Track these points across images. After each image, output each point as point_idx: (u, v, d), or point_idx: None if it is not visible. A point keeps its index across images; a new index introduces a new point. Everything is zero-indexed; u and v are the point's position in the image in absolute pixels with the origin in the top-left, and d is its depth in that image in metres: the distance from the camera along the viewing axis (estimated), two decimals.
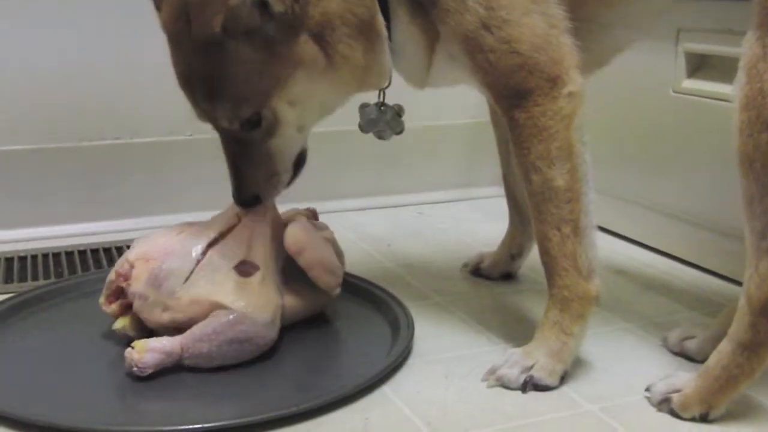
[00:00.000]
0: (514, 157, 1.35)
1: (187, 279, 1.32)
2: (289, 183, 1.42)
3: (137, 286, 1.32)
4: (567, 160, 1.27)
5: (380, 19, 1.30)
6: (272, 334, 1.33)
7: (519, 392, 1.27)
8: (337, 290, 1.44)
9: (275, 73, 1.27)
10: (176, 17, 1.27)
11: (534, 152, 1.27)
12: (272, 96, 1.28)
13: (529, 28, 1.25)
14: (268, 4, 1.21)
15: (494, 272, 1.73)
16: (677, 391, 1.20)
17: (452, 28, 1.28)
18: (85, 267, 1.80)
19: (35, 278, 1.74)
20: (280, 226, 1.43)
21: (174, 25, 1.28)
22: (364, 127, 1.52)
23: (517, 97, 1.27)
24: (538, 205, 1.29)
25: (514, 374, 1.28)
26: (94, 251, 1.90)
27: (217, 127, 1.35)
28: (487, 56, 1.27)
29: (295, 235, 1.39)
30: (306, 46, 1.26)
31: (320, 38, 1.27)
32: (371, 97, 1.49)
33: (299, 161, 1.41)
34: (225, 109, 1.29)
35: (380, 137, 1.54)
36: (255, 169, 1.36)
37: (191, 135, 2.07)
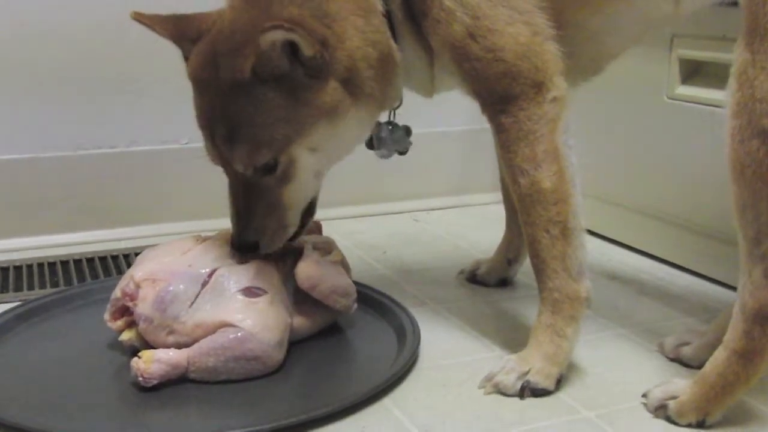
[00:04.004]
0: (501, 162, 1.36)
1: (192, 303, 1.32)
2: (295, 236, 1.41)
3: (143, 308, 1.32)
4: (553, 162, 1.29)
5: (393, 44, 1.33)
6: (279, 355, 1.33)
7: (516, 399, 1.27)
8: (354, 308, 1.44)
9: (300, 119, 1.28)
10: (205, 64, 1.29)
11: (520, 155, 1.29)
12: (293, 142, 1.29)
13: (512, 37, 1.27)
14: (299, 48, 1.22)
15: (491, 278, 1.74)
16: (674, 397, 1.21)
17: (442, 38, 1.31)
18: (82, 276, 1.81)
19: (31, 288, 1.74)
20: (289, 250, 1.43)
21: (202, 72, 1.29)
22: (372, 145, 1.53)
23: (503, 102, 1.30)
24: (527, 207, 1.31)
25: (511, 381, 1.28)
26: (90, 260, 1.90)
27: (229, 171, 1.34)
28: (474, 64, 1.30)
29: (306, 273, 1.38)
30: (334, 93, 1.28)
31: (347, 82, 1.29)
32: None
33: (309, 210, 1.41)
34: (242, 153, 1.29)
35: (383, 156, 1.55)
36: (261, 217, 1.35)
37: (187, 143, 2.07)
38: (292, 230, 1.39)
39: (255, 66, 1.23)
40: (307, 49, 1.22)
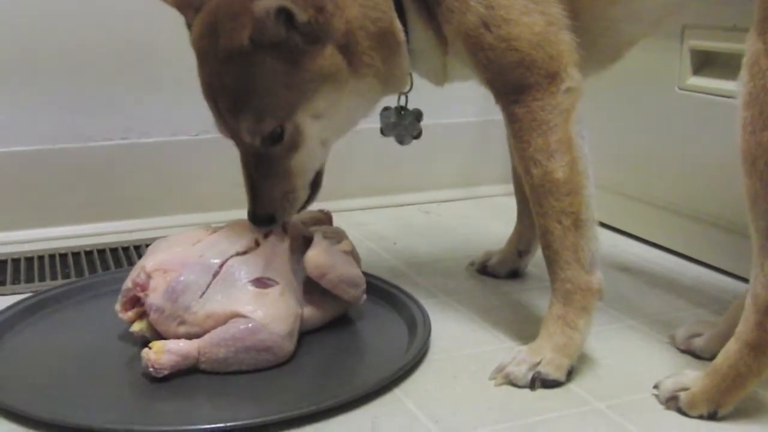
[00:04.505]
0: (514, 152, 1.36)
1: (203, 293, 1.32)
2: (306, 204, 1.42)
3: (154, 298, 1.32)
4: (566, 153, 1.29)
5: (398, 25, 1.33)
6: (290, 346, 1.33)
7: (527, 390, 1.27)
8: (363, 299, 1.44)
9: (300, 85, 1.28)
10: (206, 33, 1.29)
11: (533, 145, 1.29)
12: (296, 109, 1.30)
13: (527, 27, 1.27)
14: (293, 14, 1.22)
15: (501, 270, 1.74)
16: (685, 389, 1.21)
17: (455, 27, 1.31)
18: (93, 268, 1.81)
19: (42, 279, 1.75)
20: (300, 240, 1.43)
21: (203, 41, 1.30)
22: (384, 131, 1.55)
23: (517, 92, 1.29)
24: (539, 198, 1.31)
25: (522, 371, 1.28)
26: (101, 252, 1.91)
27: (238, 143, 1.35)
28: (487, 54, 1.29)
29: (315, 262, 1.38)
30: (332, 58, 1.29)
31: (345, 49, 1.29)
32: (392, 101, 1.51)
33: (316, 182, 1.42)
34: (248, 123, 1.30)
35: (400, 142, 1.56)
36: (273, 187, 1.36)
37: (197, 135, 2.07)
38: (302, 199, 1.40)
39: (252, 34, 1.23)
40: (300, 15, 1.23)
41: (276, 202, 1.37)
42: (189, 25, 1.35)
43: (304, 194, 1.40)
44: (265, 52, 1.25)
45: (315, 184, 1.42)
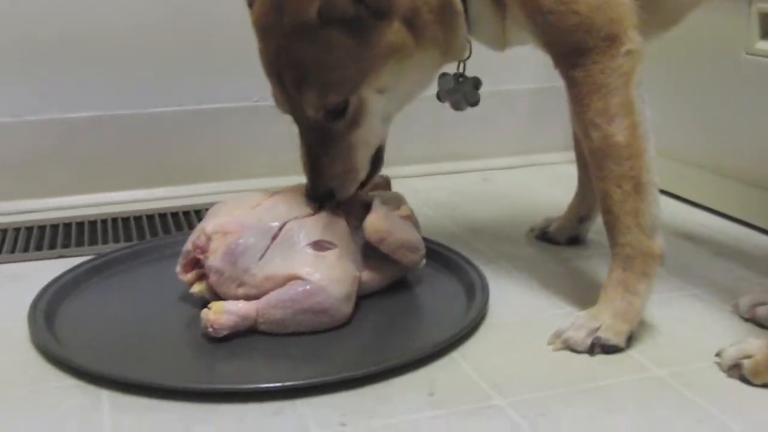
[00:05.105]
0: (573, 117, 1.34)
1: (262, 255, 1.33)
2: (367, 180, 1.42)
3: (214, 260, 1.33)
4: (627, 116, 1.27)
5: None
6: (347, 309, 1.33)
7: (585, 356, 1.26)
8: (422, 263, 1.44)
9: (367, 60, 1.28)
10: (269, 11, 1.30)
11: (593, 109, 1.27)
12: (362, 83, 1.30)
13: None
14: None
15: (561, 236, 1.72)
16: (748, 356, 1.18)
17: None
18: (154, 231, 1.83)
19: (105, 242, 1.78)
20: (358, 205, 1.43)
21: (266, 18, 1.31)
22: (441, 97, 1.54)
23: (576, 56, 1.28)
24: (599, 162, 1.29)
25: (581, 337, 1.27)
26: (162, 216, 1.93)
27: (299, 118, 1.35)
28: (546, 17, 1.28)
29: (374, 226, 1.37)
30: (399, 33, 1.28)
31: (410, 23, 1.29)
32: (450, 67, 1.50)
33: (377, 158, 1.42)
34: (312, 96, 1.30)
35: (456, 108, 1.55)
36: (332, 163, 1.36)
37: (257, 101, 2.08)
38: (362, 175, 1.40)
39: (320, 9, 1.23)
40: None
41: (336, 179, 1.37)
42: (250, 4, 1.35)
43: (364, 171, 1.40)
44: (333, 27, 1.25)
45: (376, 161, 1.42)
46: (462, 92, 1.52)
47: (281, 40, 1.29)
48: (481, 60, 1.46)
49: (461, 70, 1.50)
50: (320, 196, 1.39)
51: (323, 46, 1.27)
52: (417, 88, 1.40)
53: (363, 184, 1.43)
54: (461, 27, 1.36)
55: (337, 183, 1.38)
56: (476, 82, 1.52)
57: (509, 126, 2.35)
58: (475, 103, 1.54)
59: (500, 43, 1.43)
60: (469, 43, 1.42)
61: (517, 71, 2.26)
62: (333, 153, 1.35)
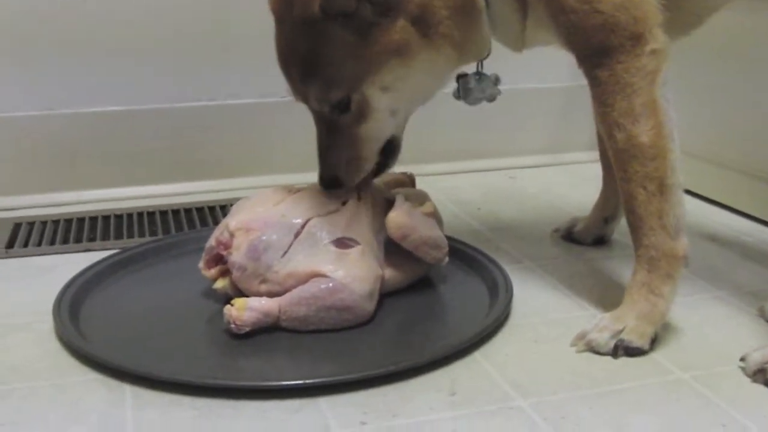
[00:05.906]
0: (597, 117, 1.33)
1: (285, 253, 1.33)
2: (382, 170, 1.43)
3: (237, 256, 1.33)
4: (651, 116, 1.26)
5: None
6: (370, 306, 1.33)
7: (608, 358, 1.25)
8: (446, 260, 1.44)
9: (368, 58, 1.28)
10: (282, 0, 1.30)
11: (617, 109, 1.26)
12: (364, 81, 1.30)
13: None
14: None
15: (587, 237, 1.71)
16: None
17: None
18: (179, 226, 1.85)
19: (130, 236, 1.79)
20: (381, 202, 1.43)
21: (279, 8, 1.31)
22: (461, 96, 1.52)
23: (600, 55, 1.27)
24: (623, 163, 1.28)
25: (604, 339, 1.26)
26: (187, 210, 1.95)
27: (311, 108, 1.36)
28: (570, 17, 1.27)
29: (397, 222, 1.37)
30: (403, 31, 1.28)
31: (419, 22, 1.28)
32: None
33: (393, 149, 1.42)
34: (316, 91, 1.31)
35: (470, 103, 1.54)
36: (339, 152, 1.37)
37: (284, 97, 2.08)
38: (369, 164, 1.40)
39: (322, 2, 1.23)
40: None
41: (341, 167, 1.38)
42: None
43: (371, 161, 1.40)
44: (335, 22, 1.25)
45: (391, 151, 1.42)
46: (481, 89, 1.51)
47: (290, 32, 1.30)
48: (508, 59, 1.46)
49: (480, 68, 1.49)
50: (327, 182, 1.40)
51: (325, 42, 1.27)
52: (429, 86, 1.39)
53: (377, 173, 1.43)
54: (483, 25, 1.35)
55: (344, 171, 1.39)
56: (496, 79, 1.51)
57: (536, 124, 2.34)
58: (492, 99, 1.53)
59: (518, 43, 1.42)
60: (490, 41, 1.40)
61: (544, 70, 2.25)
62: (340, 143, 1.36)
